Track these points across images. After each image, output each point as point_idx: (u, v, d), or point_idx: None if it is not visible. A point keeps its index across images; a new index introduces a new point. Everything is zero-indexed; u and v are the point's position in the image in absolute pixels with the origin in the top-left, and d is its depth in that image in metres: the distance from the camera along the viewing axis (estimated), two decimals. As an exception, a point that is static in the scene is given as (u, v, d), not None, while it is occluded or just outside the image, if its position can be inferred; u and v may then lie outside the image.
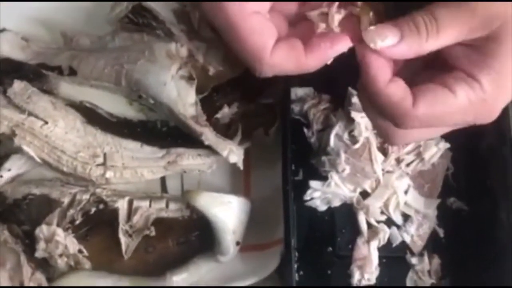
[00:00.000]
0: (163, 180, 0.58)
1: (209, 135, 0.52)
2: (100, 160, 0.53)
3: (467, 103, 0.38)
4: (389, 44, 0.37)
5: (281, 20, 0.41)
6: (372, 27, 0.39)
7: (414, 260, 0.58)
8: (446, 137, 0.60)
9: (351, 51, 0.41)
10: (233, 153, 0.53)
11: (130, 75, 0.56)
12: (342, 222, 0.59)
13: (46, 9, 0.62)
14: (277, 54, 0.38)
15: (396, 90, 0.38)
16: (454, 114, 0.38)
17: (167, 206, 0.54)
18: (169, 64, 0.53)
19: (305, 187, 0.58)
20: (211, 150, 0.54)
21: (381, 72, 0.38)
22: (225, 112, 0.57)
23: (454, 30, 0.37)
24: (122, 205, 0.53)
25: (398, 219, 0.59)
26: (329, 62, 0.42)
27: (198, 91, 0.54)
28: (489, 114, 0.39)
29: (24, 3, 0.61)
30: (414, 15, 0.38)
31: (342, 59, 0.61)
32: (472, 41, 0.38)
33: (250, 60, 0.38)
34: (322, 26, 0.42)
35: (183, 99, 0.53)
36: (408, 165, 0.59)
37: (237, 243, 0.53)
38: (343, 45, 0.40)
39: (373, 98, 0.39)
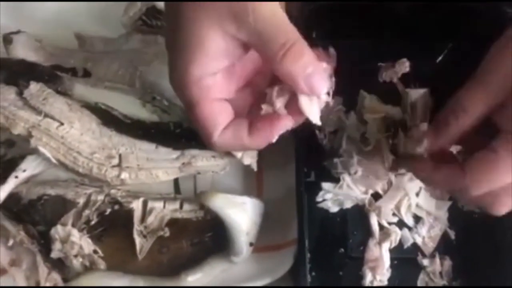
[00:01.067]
0: (176, 181, 0.59)
1: None
2: (115, 161, 0.53)
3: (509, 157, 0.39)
4: None
5: (249, 96, 0.45)
6: None
7: (425, 262, 0.58)
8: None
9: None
10: (247, 155, 0.53)
11: (144, 77, 0.56)
12: (354, 224, 0.59)
13: (60, 11, 0.62)
14: (223, 136, 0.43)
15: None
16: (502, 170, 0.40)
17: (181, 207, 0.54)
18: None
19: (317, 188, 0.58)
20: (225, 152, 0.54)
21: None
22: (238, 114, 0.57)
23: (479, 105, 0.41)
24: (136, 206, 0.54)
25: (409, 221, 0.59)
26: (273, 140, 0.45)
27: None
28: None
29: (38, 5, 0.62)
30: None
31: (354, 61, 0.62)
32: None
33: (203, 136, 0.44)
34: (265, 108, 0.43)
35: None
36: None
37: (251, 244, 0.54)
38: (284, 126, 0.43)
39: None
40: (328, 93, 0.42)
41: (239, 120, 0.44)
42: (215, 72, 0.40)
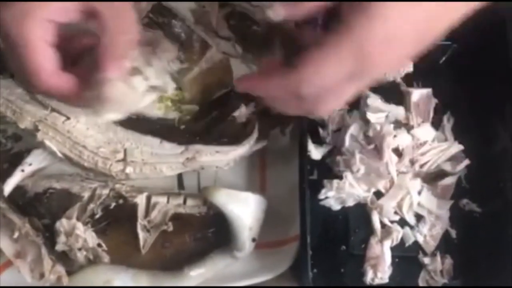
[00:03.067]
0: (180, 177, 0.59)
1: None
2: (120, 155, 0.54)
3: (335, 47, 0.39)
4: None
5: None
6: None
7: (426, 260, 0.58)
8: (459, 139, 0.61)
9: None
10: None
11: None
12: (356, 222, 0.59)
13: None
14: (54, 78, 0.44)
15: None
16: (327, 61, 0.39)
17: (184, 202, 0.55)
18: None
19: (319, 186, 0.59)
20: (228, 147, 0.55)
21: None
22: (242, 111, 0.58)
23: None
24: (141, 200, 0.54)
25: (411, 219, 0.59)
26: None
27: (220, 87, 0.55)
28: (365, 60, 0.39)
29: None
30: None
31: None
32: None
33: (31, 75, 0.43)
34: None
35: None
36: (422, 166, 0.59)
37: (253, 240, 0.54)
38: None
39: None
40: None
41: (67, 74, 0.45)
42: (52, 22, 0.43)
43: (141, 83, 0.49)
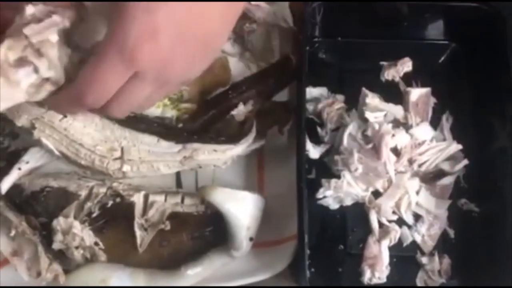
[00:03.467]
0: (178, 175, 0.59)
1: None
2: (117, 154, 0.54)
3: (102, 53, 0.41)
4: None
5: None
6: None
7: (424, 260, 0.58)
8: (457, 138, 0.61)
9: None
10: None
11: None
12: (354, 221, 0.59)
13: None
14: None
15: None
16: (99, 67, 0.41)
17: (182, 201, 0.55)
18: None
19: (317, 185, 0.59)
20: (226, 146, 0.55)
21: None
22: (240, 110, 0.58)
23: None
24: (138, 199, 0.54)
25: (409, 219, 0.59)
26: None
27: (218, 86, 0.54)
28: (132, 57, 0.41)
29: None
30: None
31: (357, 60, 0.62)
32: None
33: None
34: None
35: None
36: (420, 165, 0.59)
37: (251, 239, 0.54)
38: None
39: None
40: None
41: None
42: None
43: (30, 75, 0.44)
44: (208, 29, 0.44)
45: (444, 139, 0.61)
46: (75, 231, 0.52)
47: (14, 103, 0.44)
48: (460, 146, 0.60)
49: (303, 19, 0.60)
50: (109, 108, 0.45)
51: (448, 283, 0.58)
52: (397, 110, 0.61)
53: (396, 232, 0.58)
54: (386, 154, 0.58)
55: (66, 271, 0.54)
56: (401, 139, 0.59)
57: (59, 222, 0.52)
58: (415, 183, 0.59)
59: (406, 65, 0.63)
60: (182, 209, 0.55)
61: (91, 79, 0.42)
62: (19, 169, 0.55)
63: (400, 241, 0.59)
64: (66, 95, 0.45)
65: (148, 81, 0.43)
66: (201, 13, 0.42)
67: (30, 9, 0.43)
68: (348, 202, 0.59)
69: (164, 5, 0.40)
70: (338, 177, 0.58)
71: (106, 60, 0.41)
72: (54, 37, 0.43)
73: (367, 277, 0.57)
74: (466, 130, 0.62)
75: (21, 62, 0.43)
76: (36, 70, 0.44)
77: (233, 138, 0.56)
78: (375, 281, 0.57)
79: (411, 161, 0.59)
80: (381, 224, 0.59)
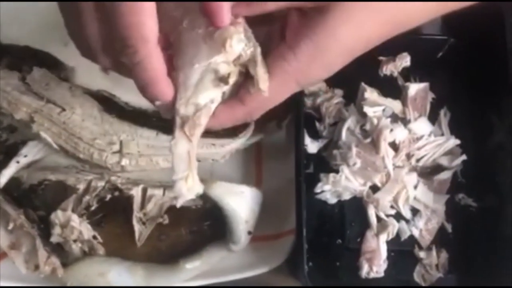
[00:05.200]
0: (176, 169, 0.59)
1: None
2: (116, 147, 0.54)
3: (283, 75, 0.40)
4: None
5: None
6: None
7: (422, 254, 0.59)
8: (455, 133, 0.61)
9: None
10: None
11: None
12: (352, 215, 0.59)
13: None
14: (158, 50, 0.38)
15: None
16: (276, 89, 0.40)
17: (180, 195, 0.55)
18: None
19: (315, 180, 0.59)
20: (224, 140, 0.55)
21: None
22: (239, 104, 0.58)
23: None
24: (136, 192, 0.54)
25: (407, 213, 0.59)
26: None
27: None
28: (305, 80, 0.40)
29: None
30: None
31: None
32: (305, 13, 0.39)
33: (137, 36, 0.37)
34: None
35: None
36: (418, 160, 0.59)
37: (249, 233, 0.54)
38: None
39: None
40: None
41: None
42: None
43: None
44: (371, 46, 0.42)
45: (442, 134, 0.61)
46: (73, 225, 0.52)
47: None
48: (458, 141, 0.60)
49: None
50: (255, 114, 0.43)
51: (446, 278, 0.58)
52: (395, 105, 0.61)
53: (394, 227, 0.58)
54: (385, 148, 0.58)
55: (64, 265, 0.53)
56: (399, 133, 0.59)
57: (57, 216, 0.52)
58: (413, 177, 0.59)
59: (404, 60, 0.63)
60: (181, 203, 0.54)
61: (264, 100, 0.41)
62: (17, 162, 0.55)
63: (398, 236, 0.59)
64: (231, 114, 0.42)
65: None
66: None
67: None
68: (346, 196, 0.59)
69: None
70: (337, 171, 0.58)
71: (283, 86, 0.40)
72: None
73: (365, 271, 0.58)
74: (464, 125, 0.62)
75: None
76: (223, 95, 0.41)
77: (232, 132, 0.56)
78: (373, 275, 0.58)
79: (409, 156, 0.59)
80: (379, 219, 0.59)
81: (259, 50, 0.39)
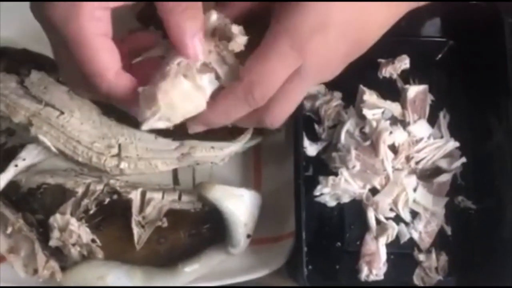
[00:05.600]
0: (175, 172, 0.59)
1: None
2: (115, 150, 0.54)
3: (273, 44, 0.39)
4: None
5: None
6: None
7: (421, 257, 0.58)
8: (454, 136, 0.61)
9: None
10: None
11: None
12: (351, 218, 0.59)
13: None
14: (121, 78, 0.39)
15: None
16: (271, 60, 0.40)
17: (179, 198, 0.55)
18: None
19: (315, 182, 0.59)
20: (223, 143, 0.54)
21: None
22: (238, 107, 0.57)
23: None
24: (135, 196, 0.54)
25: (406, 216, 0.59)
26: None
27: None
28: (303, 49, 0.40)
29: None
30: None
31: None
32: None
33: (94, 76, 0.38)
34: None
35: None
36: (417, 163, 0.59)
37: (248, 236, 0.54)
38: None
39: None
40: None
41: (128, 73, 0.40)
42: (106, 8, 0.38)
43: (212, 82, 0.41)
44: (369, 35, 0.43)
45: (442, 137, 0.61)
46: (72, 228, 0.52)
47: (197, 111, 0.40)
48: (457, 144, 0.60)
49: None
50: (270, 110, 0.42)
51: (445, 280, 0.58)
52: (394, 107, 0.61)
53: (393, 229, 0.58)
54: (384, 151, 0.58)
55: (63, 268, 0.53)
56: (398, 136, 0.59)
57: (56, 219, 0.52)
58: (413, 180, 0.59)
59: (403, 62, 0.63)
60: (180, 206, 0.54)
61: (261, 70, 0.40)
62: (16, 166, 0.55)
63: (397, 238, 0.59)
64: (231, 95, 0.41)
65: (308, 79, 0.42)
66: (369, 18, 0.42)
67: (214, 15, 0.41)
68: (346, 199, 0.59)
69: (340, 3, 0.40)
70: (336, 174, 0.58)
71: (276, 49, 0.39)
72: (241, 45, 0.41)
73: (364, 274, 0.57)
74: (463, 127, 0.62)
75: (205, 68, 0.40)
76: (218, 77, 0.41)
77: (231, 135, 0.56)
78: (372, 278, 0.57)
79: (408, 159, 0.59)
80: (378, 221, 0.59)
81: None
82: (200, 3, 0.39)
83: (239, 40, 0.40)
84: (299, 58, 0.40)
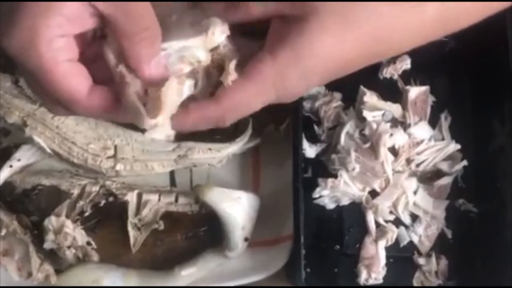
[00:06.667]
0: (172, 174, 0.59)
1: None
2: (110, 152, 0.53)
3: (259, 77, 0.39)
4: None
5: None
6: None
7: (421, 261, 0.58)
8: (456, 138, 0.60)
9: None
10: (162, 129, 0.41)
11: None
12: (351, 221, 0.59)
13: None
14: (94, 97, 0.39)
15: None
16: (251, 92, 0.40)
17: (176, 200, 0.54)
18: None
19: (314, 185, 0.58)
20: (221, 144, 0.54)
21: None
22: (236, 108, 0.57)
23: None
24: (131, 198, 0.53)
25: (406, 219, 0.59)
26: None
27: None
28: (282, 87, 0.40)
29: None
30: None
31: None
32: (287, 20, 0.39)
33: (66, 101, 0.39)
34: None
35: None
36: (418, 165, 0.59)
37: (246, 239, 0.54)
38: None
39: None
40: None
41: (101, 87, 0.40)
42: (67, 35, 0.37)
43: (190, 89, 0.41)
44: (354, 68, 0.42)
45: (443, 138, 0.61)
46: (67, 230, 0.52)
47: (170, 114, 0.40)
48: (458, 146, 0.60)
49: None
50: (227, 121, 0.42)
51: (445, 284, 0.58)
52: (395, 109, 0.60)
53: (393, 233, 0.58)
54: (384, 153, 0.57)
55: (58, 271, 0.53)
56: (399, 138, 0.58)
57: (51, 221, 0.52)
58: (413, 183, 0.58)
59: (404, 63, 0.62)
60: (176, 209, 0.54)
61: (239, 100, 0.40)
62: (11, 166, 0.55)
63: (397, 242, 0.58)
64: (204, 112, 0.41)
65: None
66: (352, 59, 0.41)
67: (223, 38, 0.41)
68: (345, 201, 0.59)
69: (320, 48, 0.39)
70: (335, 176, 0.58)
71: (259, 84, 0.40)
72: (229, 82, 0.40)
73: (363, 278, 0.57)
74: (465, 129, 0.61)
75: (191, 74, 0.41)
76: (196, 86, 0.41)
77: (229, 136, 0.56)
78: (371, 281, 0.57)
79: (409, 161, 0.59)
80: (378, 224, 0.58)
81: (236, 56, 0.41)
82: (158, 29, 0.39)
83: (230, 78, 0.40)
84: (277, 96, 0.41)
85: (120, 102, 0.39)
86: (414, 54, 0.62)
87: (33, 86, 0.41)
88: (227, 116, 0.41)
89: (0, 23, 0.36)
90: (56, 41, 0.36)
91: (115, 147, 0.53)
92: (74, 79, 0.38)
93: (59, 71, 0.37)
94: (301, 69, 0.39)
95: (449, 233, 0.59)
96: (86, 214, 0.53)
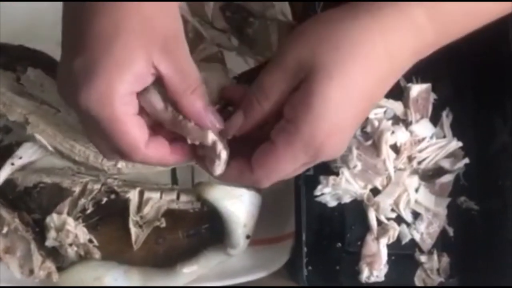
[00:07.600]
0: (173, 172, 0.58)
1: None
2: (112, 150, 0.53)
3: (287, 148, 0.41)
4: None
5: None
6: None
7: (423, 258, 0.58)
8: (457, 135, 0.60)
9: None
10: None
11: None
12: (352, 219, 0.59)
13: None
14: (150, 147, 0.43)
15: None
16: (282, 162, 0.42)
17: (178, 197, 0.54)
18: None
19: (315, 182, 0.58)
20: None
21: None
22: (238, 105, 0.57)
23: (277, 88, 0.42)
24: (133, 195, 0.53)
25: (408, 216, 0.59)
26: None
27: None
28: (316, 152, 0.41)
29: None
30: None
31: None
32: (296, 89, 0.41)
33: (128, 150, 0.42)
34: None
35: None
36: (420, 163, 0.59)
37: (248, 237, 0.53)
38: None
39: None
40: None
41: (158, 137, 0.44)
42: (133, 91, 0.41)
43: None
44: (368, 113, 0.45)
45: (444, 136, 0.61)
46: (69, 228, 0.51)
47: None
48: (460, 144, 0.60)
49: (304, 13, 0.59)
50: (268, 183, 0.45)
51: (447, 282, 0.58)
52: (397, 106, 0.60)
53: (394, 230, 0.58)
54: (386, 151, 0.57)
55: (60, 269, 0.53)
56: (400, 136, 0.58)
57: (53, 219, 0.52)
58: (415, 180, 0.58)
59: (405, 62, 0.62)
60: (178, 206, 0.54)
61: (272, 169, 0.43)
62: (12, 164, 0.54)
63: (398, 239, 0.58)
64: (239, 175, 0.45)
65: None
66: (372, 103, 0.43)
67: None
68: (347, 199, 0.59)
69: (351, 107, 0.41)
70: (337, 174, 0.58)
71: (289, 154, 0.41)
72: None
73: (365, 276, 0.57)
74: (467, 127, 0.61)
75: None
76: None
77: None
78: (373, 279, 0.57)
79: (410, 158, 0.59)
80: (379, 222, 0.58)
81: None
82: (199, 81, 0.43)
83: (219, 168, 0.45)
84: (311, 158, 0.42)
85: (173, 148, 0.44)
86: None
87: (91, 134, 0.44)
88: (263, 183, 0.44)
89: (75, 79, 0.40)
90: (126, 96, 0.41)
91: (117, 145, 0.53)
92: (138, 130, 0.42)
93: (127, 123, 0.41)
94: (326, 128, 0.40)
95: (450, 231, 0.59)
96: (88, 211, 0.53)
